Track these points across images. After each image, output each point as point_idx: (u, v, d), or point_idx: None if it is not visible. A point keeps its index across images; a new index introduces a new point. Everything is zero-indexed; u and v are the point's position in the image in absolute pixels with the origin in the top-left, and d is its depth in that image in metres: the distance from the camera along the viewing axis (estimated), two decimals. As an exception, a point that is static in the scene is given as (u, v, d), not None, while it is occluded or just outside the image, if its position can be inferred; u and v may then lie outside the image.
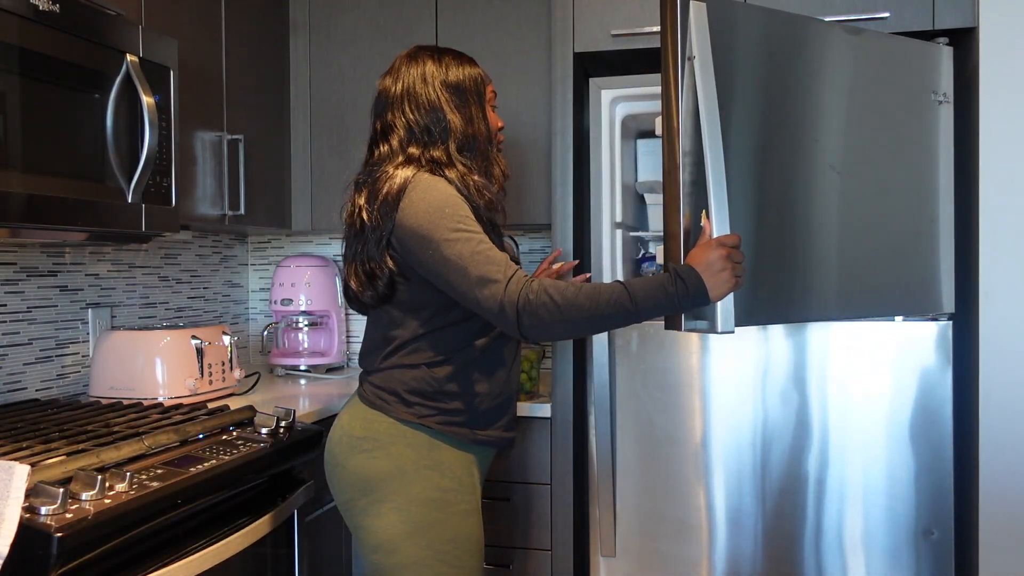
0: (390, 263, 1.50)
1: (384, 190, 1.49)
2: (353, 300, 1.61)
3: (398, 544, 1.49)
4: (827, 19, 1.88)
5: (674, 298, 1.34)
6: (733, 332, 1.40)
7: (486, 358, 1.56)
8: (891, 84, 1.74)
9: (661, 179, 1.48)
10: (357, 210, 1.54)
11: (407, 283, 1.52)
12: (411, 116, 1.55)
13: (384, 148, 1.58)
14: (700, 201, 1.43)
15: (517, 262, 1.48)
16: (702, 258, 1.35)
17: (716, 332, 1.39)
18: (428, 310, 1.53)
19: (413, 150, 1.54)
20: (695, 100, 1.43)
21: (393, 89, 1.59)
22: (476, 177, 1.54)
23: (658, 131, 1.61)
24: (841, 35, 1.69)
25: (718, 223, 1.39)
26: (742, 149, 1.52)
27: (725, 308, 1.39)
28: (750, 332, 1.91)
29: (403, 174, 1.49)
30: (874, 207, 1.71)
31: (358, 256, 1.54)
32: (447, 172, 1.51)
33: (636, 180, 2.29)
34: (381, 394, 1.56)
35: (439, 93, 1.56)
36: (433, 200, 1.45)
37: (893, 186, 1.75)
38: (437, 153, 1.54)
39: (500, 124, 1.68)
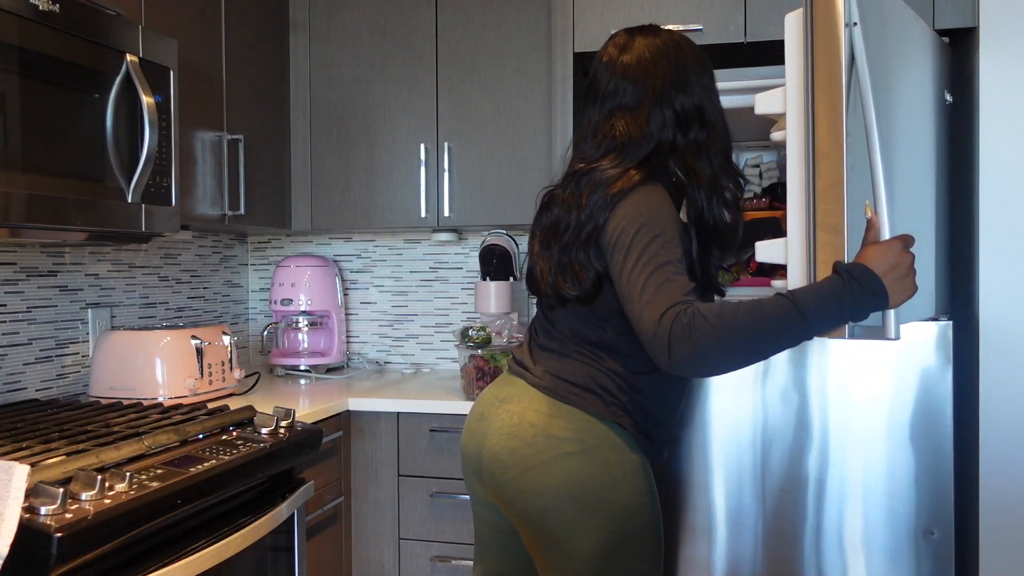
0: (596, 262, 1.36)
1: (617, 186, 1.34)
2: (548, 294, 1.44)
3: (610, 553, 1.37)
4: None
5: (849, 306, 1.16)
6: (899, 339, 1.27)
7: (671, 380, 1.45)
8: (924, 80, 1.69)
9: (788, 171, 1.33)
10: (576, 197, 1.39)
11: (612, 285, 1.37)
12: (677, 107, 1.41)
13: (623, 134, 1.41)
14: (858, 190, 1.26)
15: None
16: (884, 259, 1.18)
17: (889, 339, 1.23)
18: None
19: (657, 150, 1.40)
20: (853, 72, 1.24)
21: (651, 69, 1.42)
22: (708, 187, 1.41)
23: (768, 108, 1.43)
24: (921, 25, 1.59)
25: (887, 215, 1.22)
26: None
27: (896, 312, 1.23)
28: (750, 332, 1.91)
29: (634, 176, 1.35)
30: (904, 207, 1.66)
31: (567, 249, 1.39)
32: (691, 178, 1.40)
33: (636, 180, 2.28)
34: (573, 388, 1.41)
35: (705, 85, 1.45)
36: (646, 204, 1.32)
37: (913, 187, 1.73)
38: (699, 164, 1.40)
39: None
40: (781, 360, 1.90)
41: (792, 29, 1.32)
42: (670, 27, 1.98)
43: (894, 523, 1.85)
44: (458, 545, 2.18)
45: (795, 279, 1.34)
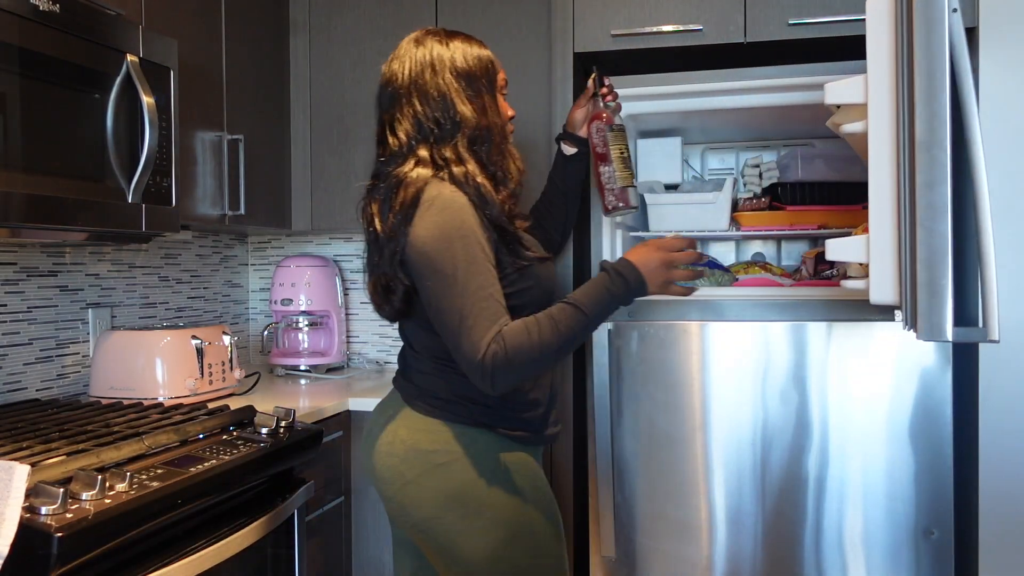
0: (404, 278, 1.41)
1: (399, 198, 1.39)
2: (377, 310, 1.53)
3: (501, 553, 1.41)
4: (828, 19, 1.88)
5: (619, 298, 1.39)
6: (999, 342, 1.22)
7: None
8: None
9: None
10: (370, 217, 1.44)
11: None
12: (419, 108, 1.44)
13: (393, 143, 1.47)
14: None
15: (547, 251, 1.55)
16: (643, 256, 1.41)
17: (992, 341, 1.18)
18: None
19: (423, 149, 1.43)
20: (952, 64, 1.15)
21: (399, 77, 1.47)
22: (484, 180, 1.42)
23: (844, 98, 1.33)
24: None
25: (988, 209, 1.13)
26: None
27: (997, 316, 1.17)
28: (750, 332, 1.91)
29: (417, 180, 1.39)
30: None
31: (376, 267, 1.46)
32: (454, 169, 1.41)
33: (636, 180, 2.29)
34: (435, 401, 1.47)
35: (449, 82, 1.44)
36: (447, 223, 1.35)
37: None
38: (448, 151, 1.43)
39: (511, 113, 1.57)
40: (781, 360, 1.90)
41: (880, 16, 1.23)
42: (668, 27, 2.00)
43: (894, 523, 1.85)
44: (458, 545, 2.18)
45: (882, 278, 1.26)
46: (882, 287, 1.26)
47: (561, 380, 2.03)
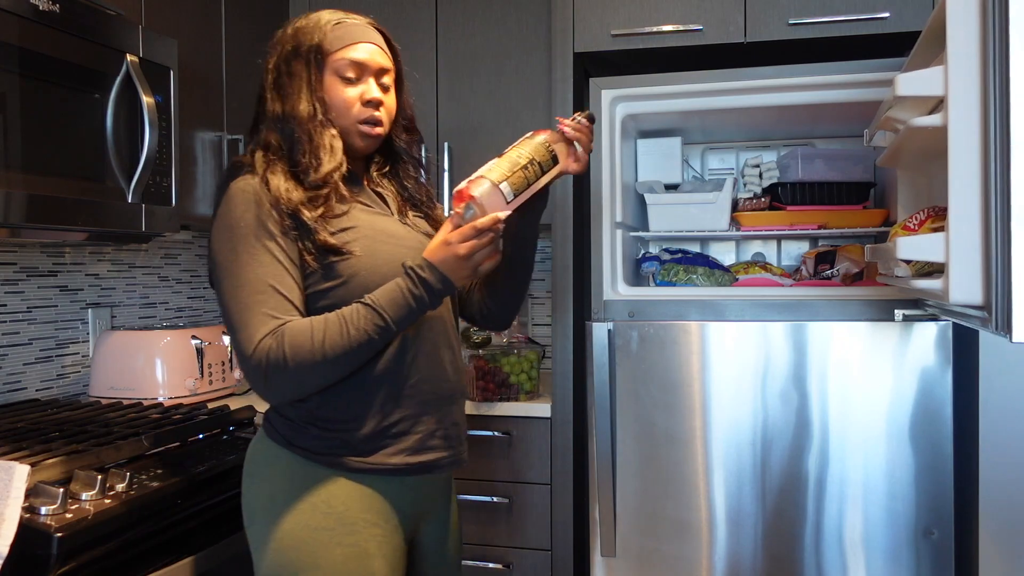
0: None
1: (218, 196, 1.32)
2: None
3: None
4: (828, 19, 1.88)
5: (421, 300, 1.24)
6: None
7: (355, 375, 1.28)
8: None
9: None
10: None
11: None
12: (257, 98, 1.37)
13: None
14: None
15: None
16: (439, 252, 1.25)
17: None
18: None
19: (250, 142, 1.37)
20: None
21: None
22: (280, 172, 1.28)
23: (922, 90, 1.26)
24: None
25: None
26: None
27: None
28: (750, 332, 1.91)
29: (226, 176, 1.32)
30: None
31: None
32: (256, 159, 1.30)
33: (636, 180, 2.29)
34: (264, 416, 1.36)
35: (270, 68, 1.35)
36: (228, 215, 1.26)
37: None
38: (257, 142, 1.34)
39: (369, 97, 1.34)
40: (781, 360, 1.90)
41: (964, 2, 1.16)
42: (668, 27, 2.00)
43: (894, 523, 1.85)
44: (458, 545, 2.19)
45: (967, 278, 1.18)
46: (966, 287, 1.17)
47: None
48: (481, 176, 1.29)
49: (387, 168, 1.46)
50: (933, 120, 1.26)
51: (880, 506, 1.86)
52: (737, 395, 1.92)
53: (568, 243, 2.06)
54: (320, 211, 1.27)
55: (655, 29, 1.98)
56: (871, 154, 2.09)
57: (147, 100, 1.73)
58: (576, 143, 1.42)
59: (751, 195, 2.22)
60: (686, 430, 1.95)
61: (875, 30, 1.87)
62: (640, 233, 2.18)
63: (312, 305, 1.27)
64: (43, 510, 1.23)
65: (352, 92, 1.33)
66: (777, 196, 2.13)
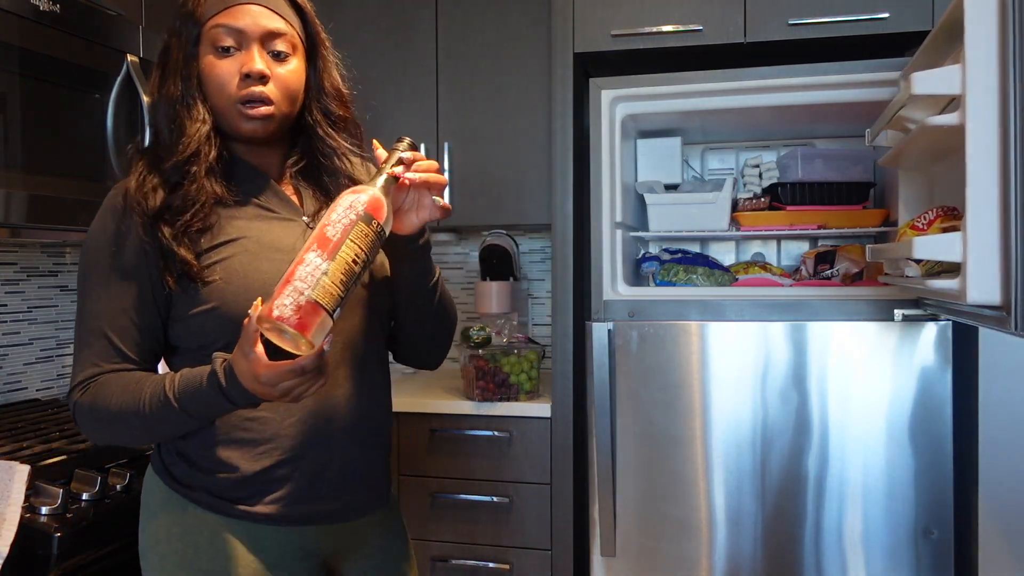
0: None
1: None
2: None
3: None
4: (828, 20, 1.88)
5: (224, 407, 1.01)
6: None
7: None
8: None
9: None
10: None
11: None
12: None
13: None
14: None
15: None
16: (252, 385, 0.96)
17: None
18: None
19: None
20: None
21: None
22: (137, 177, 1.11)
23: (938, 89, 1.23)
24: None
25: None
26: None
27: None
28: (750, 332, 1.91)
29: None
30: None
31: None
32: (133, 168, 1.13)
33: (636, 180, 2.29)
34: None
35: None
36: (89, 232, 1.12)
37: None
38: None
39: (248, 69, 1.08)
40: (781, 360, 1.90)
41: (982, 2, 1.15)
42: (668, 28, 2.00)
43: (894, 523, 1.85)
44: (458, 545, 2.19)
45: (985, 278, 1.17)
46: (984, 287, 1.16)
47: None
48: (304, 293, 0.92)
49: (303, 162, 1.19)
50: (949, 119, 1.23)
51: (880, 506, 1.86)
52: (737, 395, 1.92)
53: (568, 243, 2.06)
54: (185, 220, 1.06)
55: (655, 29, 1.98)
56: (871, 154, 2.09)
57: (147, 100, 1.73)
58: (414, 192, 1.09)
59: (751, 195, 2.22)
60: (686, 430, 1.95)
61: (875, 30, 1.87)
62: (640, 233, 2.18)
63: (177, 334, 1.10)
64: (43, 510, 1.23)
65: (229, 65, 1.09)
66: (777, 196, 2.13)
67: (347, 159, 1.20)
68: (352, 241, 0.96)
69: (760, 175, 2.31)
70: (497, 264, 2.53)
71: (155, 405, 1.03)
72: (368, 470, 1.18)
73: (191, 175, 1.07)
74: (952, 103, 1.26)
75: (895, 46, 1.94)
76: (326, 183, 1.18)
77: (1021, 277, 1.12)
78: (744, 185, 2.34)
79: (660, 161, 2.30)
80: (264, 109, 1.09)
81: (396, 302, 1.22)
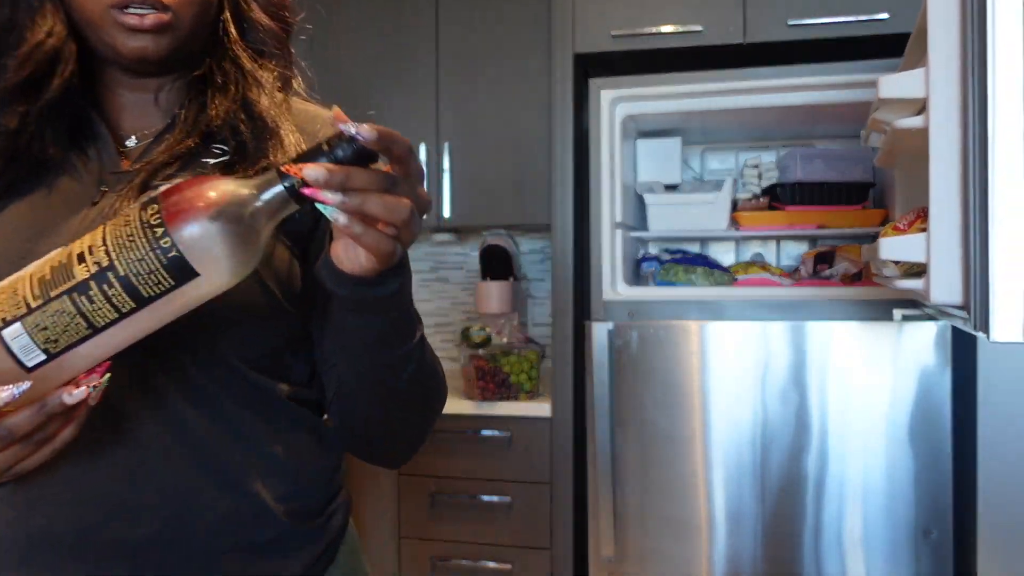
0: None
1: None
2: None
3: None
4: (828, 20, 1.89)
5: None
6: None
7: None
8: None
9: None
10: None
11: None
12: None
13: None
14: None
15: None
16: None
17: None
18: None
19: None
20: None
21: None
22: None
23: (903, 92, 1.25)
24: None
25: None
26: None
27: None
28: (750, 332, 1.91)
29: None
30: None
31: None
32: None
33: (636, 180, 2.29)
34: None
35: None
36: None
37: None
38: None
39: None
40: (781, 360, 1.90)
41: (945, 5, 1.16)
42: (668, 28, 2.00)
43: (893, 522, 1.86)
44: (458, 545, 2.19)
45: (946, 278, 1.18)
46: (946, 287, 1.17)
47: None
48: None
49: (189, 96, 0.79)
50: (915, 122, 1.25)
51: (879, 506, 1.86)
52: (737, 395, 1.92)
53: (568, 243, 2.06)
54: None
55: (655, 30, 1.98)
56: (870, 154, 2.10)
57: None
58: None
59: (750, 195, 2.22)
60: (686, 430, 1.95)
61: (874, 31, 1.87)
62: (640, 233, 2.19)
63: None
64: (45, 510, 1.23)
65: None
66: (776, 196, 2.14)
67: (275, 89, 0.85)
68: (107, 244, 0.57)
69: (759, 175, 2.31)
70: (497, 264, 2.53)
71: None
72: None
73: (15, 115, 0.71)
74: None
75: (894, 47, 1.94)
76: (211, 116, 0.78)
77: (979, 277, 1.12)
78: (743, 185, 2.34)
79: (660, 161, 2.31)
80: (152, 17, 0.70)
81: (333, 359, 0.77)
